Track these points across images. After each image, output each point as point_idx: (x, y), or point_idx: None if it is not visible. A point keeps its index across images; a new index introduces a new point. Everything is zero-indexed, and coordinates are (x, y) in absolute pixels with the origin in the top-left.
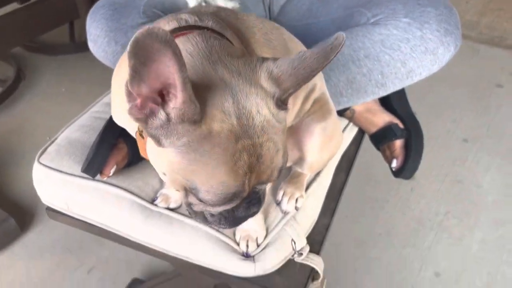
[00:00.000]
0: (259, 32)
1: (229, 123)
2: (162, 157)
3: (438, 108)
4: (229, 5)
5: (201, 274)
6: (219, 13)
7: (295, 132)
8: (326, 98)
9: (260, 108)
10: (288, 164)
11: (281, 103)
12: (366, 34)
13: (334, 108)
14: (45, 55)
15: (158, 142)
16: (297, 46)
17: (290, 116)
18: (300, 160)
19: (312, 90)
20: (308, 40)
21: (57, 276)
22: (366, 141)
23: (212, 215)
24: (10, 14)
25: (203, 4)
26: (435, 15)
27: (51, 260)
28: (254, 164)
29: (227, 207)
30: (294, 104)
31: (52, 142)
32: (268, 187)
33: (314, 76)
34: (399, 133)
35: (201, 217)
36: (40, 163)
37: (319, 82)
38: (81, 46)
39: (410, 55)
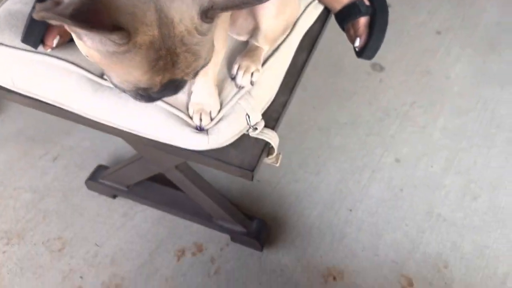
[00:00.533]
0: None
1: (150, 34)
2: (82, 45)
3: None
4: None
5: (160, 152)
6: None
7: None
8: None
9: (183, 18)
10: (244, 37)
11: (206, 17)
12: None
13: None
14: None
15: (80, 39)
16: None
17: None
18: (255, 30)
19: None
20: None
21: (21, 164)
22: (336, 32)
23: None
24: None
25: None
26: None
27: (15, 149)
28: (169, 69)
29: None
30: None
31: None
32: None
33: (245, 7)
34: (364, 9)
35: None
36: None
37: None
38: None
39: None
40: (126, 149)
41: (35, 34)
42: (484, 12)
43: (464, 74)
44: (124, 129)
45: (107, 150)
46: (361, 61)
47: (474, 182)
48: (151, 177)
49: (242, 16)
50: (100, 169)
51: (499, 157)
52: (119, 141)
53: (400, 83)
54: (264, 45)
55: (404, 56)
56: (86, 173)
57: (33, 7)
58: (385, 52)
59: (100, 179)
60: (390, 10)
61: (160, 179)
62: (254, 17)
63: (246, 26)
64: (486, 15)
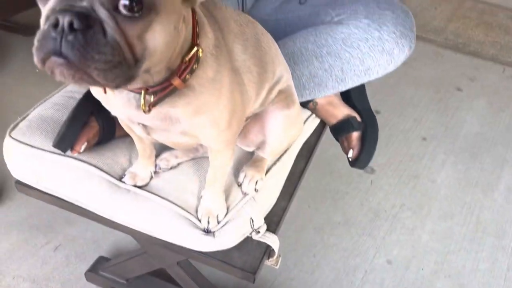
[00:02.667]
0: (235, 23)
1: None
2: None
3: (401, 107)
4: None
5: (164, 249)
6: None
7: (260, 118)
8: (291, 90)
9: None
10: (252, 149)
11: None
12: (329, 32)
13: (297, 100)
14: (19, 35)
15: None
16: (269, 41)
17: (255, 104)
18: (263, 144)
19: (277, 82)
20: (278, 34)
21: (22, 252)
22: (331, 138)
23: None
24: None
25: None
26: (392, 18)
27: (17, 237)
28: None
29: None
30: (258, 94)
31: (24, 118)
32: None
33: None
34: (356, 125)
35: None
36: (11, 137)
37: (285, 74)
38: None
39: (368, 54)
40: (127, 241)
41: (67, 140)
42: (464, 123)
43: (449, 180)
44: (136, 228)
45: (109, 242)
46: None
47: (464, 286)
48: (151, 271)
49: (253, 132)
50: (101, 260)
51: (487, 261)
52: (121, 233)
53: (390, 186)
54: (269, 157)
55: (393, 160)
56: (87, 264)
57: (73, 116)
58: (376, 155)
59: (101, 271)
60: (379, 116)
61: (159, 274)
62: (263, 133)
63: (255, 141)
64: (467, 125)
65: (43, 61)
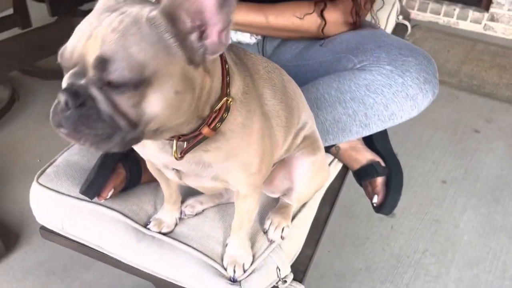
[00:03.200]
0: (263, 70)
1: None
2: None
3: (419, 149)
4: (253, 40)
5: None
6: (230, 48)
7: (286, 165)
8: (316, 136)
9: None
10: (277, 195)
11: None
12: (352, 79)
13: (322, 146)
14: (39, 78)
15: None
16: (294, 88)
17: (281, 150)
18: (289, 191)
19: (302, 128)
20: (298, 79)
21: None
22: (350, 179)
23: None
24: (12, 39)
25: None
26: (415, 65)
27: (34, 282)
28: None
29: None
30: (285, 139)
31: (51, 164)
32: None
33: None
34: (381, 171)
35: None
36: (39, 183)
37: (310, 121)
38: None
39: (392, 99)
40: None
41: (95, 187)
42: (484, 165)
43: (471, 224)
44: (159, 276)
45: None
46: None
47: None
48: None
49: (279, 178)
50: None
51: None
52: (138, 279)
53: (411, 230)
54: (295, 204)
55: (413, 203)
56: None
57: (101, 163)
58: None
59: None
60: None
61: None
62: (290, 179)
63: (281, 187)
64: (487, 167)
65: (57, 130)
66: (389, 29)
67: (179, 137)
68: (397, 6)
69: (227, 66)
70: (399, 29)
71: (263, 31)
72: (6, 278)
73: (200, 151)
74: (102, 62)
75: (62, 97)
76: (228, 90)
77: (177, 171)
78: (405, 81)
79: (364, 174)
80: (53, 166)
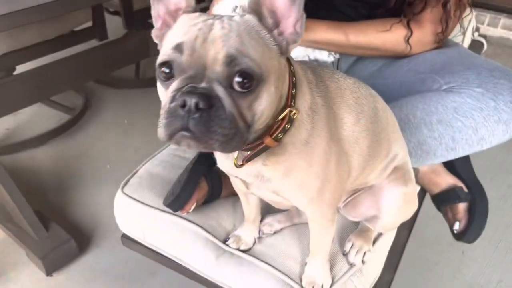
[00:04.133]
0: (351, 95)
1: None
2: None
3: (492, 172)
4: (330, 59)
5: None
6: (316, 69)
7: (374, 193)
8: (408, 168)
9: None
10: (358, 219)
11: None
12: (439, 100)
13: (414, 176)
14: (111, 87)
15: None
16: (388, 118)
17: (356, 180)
18: (374, 219)
19: (392, 159)
20: None
21: None
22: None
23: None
24: (89, 51)
25: (306, 58)
26: (509, 87)
27: (104, 285)
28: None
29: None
30: (364, 168)
31: (134, 174)
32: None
33: None
34: (463, 196)
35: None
36: (124, 193)
37: (402, 152)
38: (145, 82)
39: (482, 123)
40: None
41: (181, 201)
42: None
43: None
44: None
45: None
46: (443, 230)
47: None
48: None
49: (365, 206)
50: None
51: None
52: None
53: (484, 258)
54: (378, 231)
55: (486, 229)
56: None
57: (188, 177)
58: None
59: None
60: None
61: None
62: (377, 208)
63: (365, 214)
64: None
65: (171, 136)
66: (465, 46)
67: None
68: (473, 22)
69: (294, 79)
70: (474, 46)
71: (342, 49)
72: (78, 278)
73: (259, 164)
74: (232, 59)
75: (191, 100)
76: (293, 102)
77: (243, 180)
78: (498, 105)
79: (445, 199)
80: (136, 177)
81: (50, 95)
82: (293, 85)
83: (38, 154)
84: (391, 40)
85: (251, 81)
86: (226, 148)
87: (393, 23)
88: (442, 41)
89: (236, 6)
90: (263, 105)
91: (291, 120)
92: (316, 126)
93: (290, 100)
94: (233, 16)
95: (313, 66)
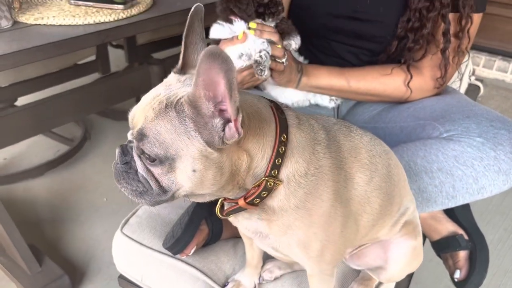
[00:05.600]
0: (366, 153)
1: None
2: None
3: (489, 215)
4: (331, 104)
5: None
6: (332, 127)
7: (382, 246)
8: (418, 221)
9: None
10: (362, 268)
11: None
12: (440, 148)
13: (421, 230)
14: (110, 119)
15: None
16: (399, 173)
17: (363, 238)
18: (380, 269)
19: (403, 214)
20: None
21: None
22: None
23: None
24: (92, 84)
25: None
26: (509, 138)
27: None
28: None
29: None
30: (374, 225)
31: (134, 213)
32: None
33: None
34: (464, 244)
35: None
36: (123, 233)
37: (411, 205)
38: None
39: (483, 173)
40: None
41: (181, 245)
42: None
43: None
44: None
45: None
46: (441, 273)
47: None
48: None
49: (371, 257)
50: None
51: None
52: None
53: None
54: (382, 282)
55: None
56: None
57: (189, 220)
58: None
59: None
60: None
61: None
62: (384, 260)
63: (371, 264)
64: None
65: None
66: (462, 90)
67: (224, 198)
68: (470, 67)
69: (282, 149)
70: (471, 89)
71: (344, 94)
72: None
73: (255, 218)
74: (141, 135)
75: (116, 151)
76: (274, 172)
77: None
78: (498, 155)
79: (445, 246)
80: (136, 216)
81: (52, 127)
82: (277, 155)
83: (35, 185)
84: (392, 85)
85: (154, 159)
86: (139, 200)
87: (394, 67)
88: (442, 87)
89: (242, 54)
90: (179, 180)
91: (269, 190)
92: (312, 191)
93: (269, 170)
94: (180, 93)
95: (330, 124)
